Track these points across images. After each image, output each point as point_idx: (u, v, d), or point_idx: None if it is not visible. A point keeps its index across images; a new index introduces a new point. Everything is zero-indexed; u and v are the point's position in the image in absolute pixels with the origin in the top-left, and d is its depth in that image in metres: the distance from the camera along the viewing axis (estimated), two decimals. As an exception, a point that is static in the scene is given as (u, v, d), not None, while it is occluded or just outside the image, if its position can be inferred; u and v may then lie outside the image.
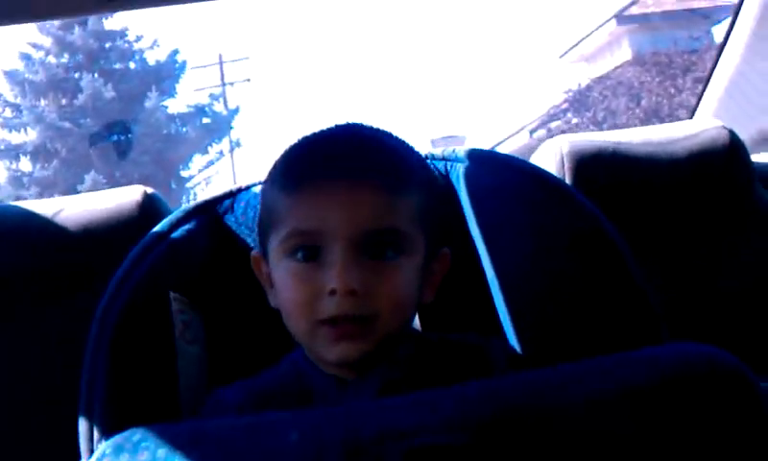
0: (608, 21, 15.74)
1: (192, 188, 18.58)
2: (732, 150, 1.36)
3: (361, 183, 0.88)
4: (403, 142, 0.97)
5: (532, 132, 15.74)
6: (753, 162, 1.40)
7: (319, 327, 0.87)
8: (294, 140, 0.96)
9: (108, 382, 0.85)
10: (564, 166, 1.33)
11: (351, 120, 0.98)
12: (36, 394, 1.24)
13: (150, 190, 1.31)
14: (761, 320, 1.35)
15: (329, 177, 0.88)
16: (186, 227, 1.03)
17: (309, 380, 0.91)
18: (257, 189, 1.12)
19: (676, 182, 1.35)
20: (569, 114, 14.68)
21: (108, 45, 18.10)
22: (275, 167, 0.96)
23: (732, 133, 1.38)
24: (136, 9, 1.18)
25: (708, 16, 12.78)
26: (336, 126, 0.96)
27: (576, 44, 16.87)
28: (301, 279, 0.88)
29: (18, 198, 16.79)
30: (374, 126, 0.97)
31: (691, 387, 0.66)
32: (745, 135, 1.47)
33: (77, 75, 17.39)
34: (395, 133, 0.97)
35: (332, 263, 0.86)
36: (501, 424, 0.65)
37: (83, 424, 0.84)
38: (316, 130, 0.96)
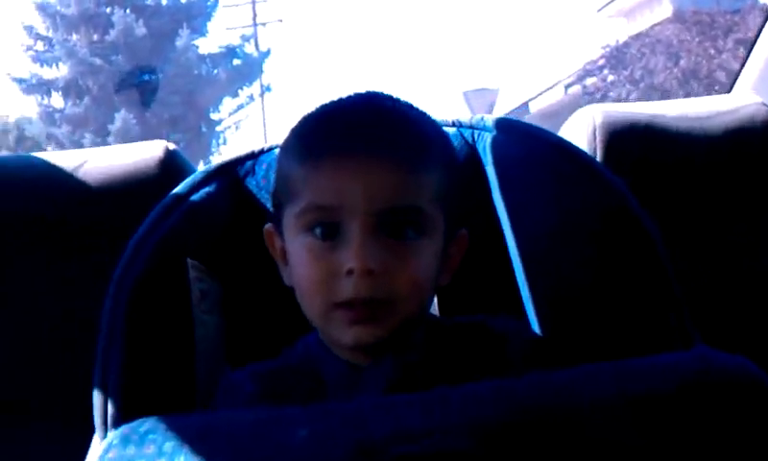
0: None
1: (222, 132, 18.64)
2: (772, 128, 1.32)
3: (382, 158, 0.84)
4: (425, 114, 0.93)
5: (567, 87, 15.54)
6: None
7: (334, 309, 0.84)
8: (311, 108, 0.93)
9: (124, 354, 0.84)
10: (595, 138, 1.29)
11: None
12: (53, 345, 1.25)
13: (172, 146, 1.29)
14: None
15: (349, 150, 0.85)
16: (206, 189, 1.01)
17: (322, 366, 0.90)
18: (278, 152, 1.10)
19: (712, 161, 1.31)
20: (606, 71, 14.44)
21: (140, -20, 18.00)
22: (291, 135, 0.92)
23: (771, 111, 1.33)
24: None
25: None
26: (356, 95, 0.92)
27: (615, -2, 16.53)
28: (318, 256, 0.85)
29: (49, 136, 16.91)
30: (396, 96, 0.93)
31: (710, 398, 0.65)
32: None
33: (108, 10, 17.33)
34: (416, 105, 0.93)
35: (350, 241, 0.83)
36: (512, 427, 0.64)
37: (97, 399, 0.83)
38: (335, 98, 0.92)
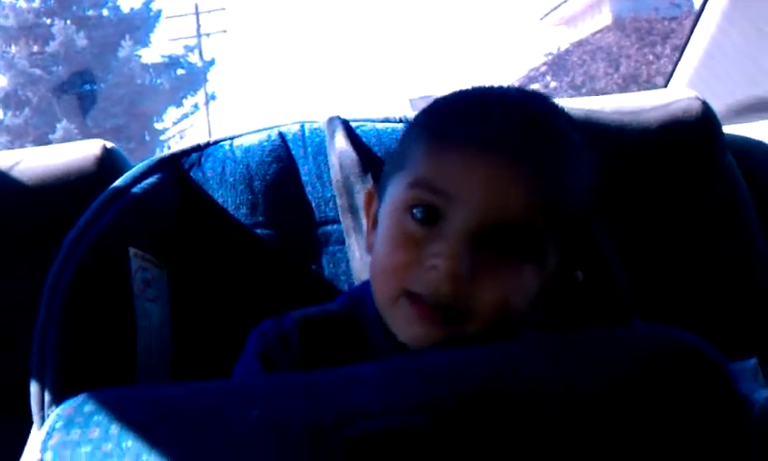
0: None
1: (166, 141, 18.44)
2: (704, 121, 1.36)
3: (515, 164, 0.74)
4: (574, 130, 0.82)
5: (511, 94, 15.76)
6: (724, 134, 1.39)
7: (404, 296, 0.76)
8: (460, 90, 0.84)
9: (60, 344, 0.82)
10: (535, 132, 1.32)
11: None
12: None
13: (110, 145, 1.28)
14: (725, 291, 1.35)
15: (484, 142, 0.75)
16: (149, 180, 1.01)
17: (368, 328, 0.83)
18: (227, 144, 1.10)
19: (646, 152, 1.35)
20: (548, 77, 14.68)
21: (80, -10, 17.75)
22: (427, 111, 0.84)
23: (704, 104, 1.37)
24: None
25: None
26: (511, 88, 0.84)
27: (557, 7, 16.82)
28: (408, 240, 0.76)
29: (-12, 145, 16.53)
30: (548, 98, 0.85)
31: (661, 368, 0.65)
32: (719, 106, 1.47)
33: (48, 21, 17.07)
34: (565, 112, 0.83)
35: (447, 236, 0.74)
36: (471, 402, 0.62)
37: (34, 388, 0.81)
38: (487, 85, 0.84)
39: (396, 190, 0.80)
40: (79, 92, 14.69)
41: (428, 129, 0.81)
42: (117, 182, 0.98)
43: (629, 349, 0.68)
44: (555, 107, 0.83)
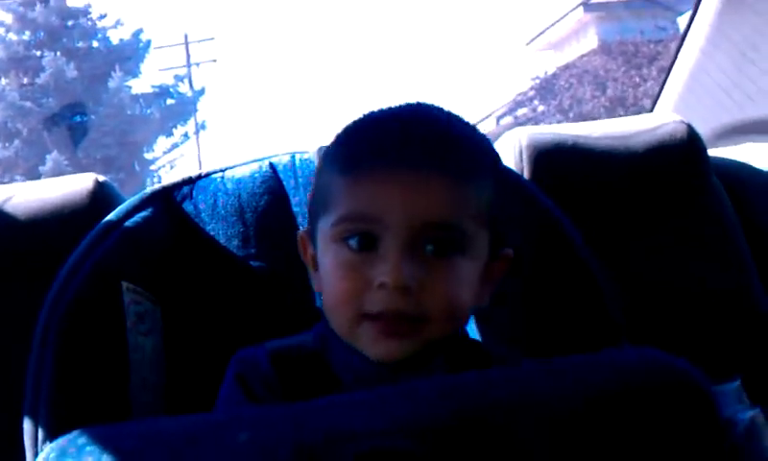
0: (575, 9, 15.84)
1: (156, 171, 18.40)
2: (690, 144, 1.37)
3: (428, 172, 0.80)
4: (475, 128, 0.89)
5: (499, 118, 15.79)
6: (710, 157, 1.41)
7: (361, 321, 0.81)
8: (360, 118, 0.89)
9: (54, 380, 0.83)
10: (522, 159, 1.33)
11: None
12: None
13: (101, 178, 1.28)
14: (714, 313, 1.36)
15: (394, 161, 0.81)
16: (142, 214, 1.01)
17: (335, 360, 0.87)
18: (219, 176, 1.11)
19: (634, 176, 1.36)
20: (536, 102, 14.76)
21: (70, 23, 17.83)
22: (334, 145, 0.89)
23: (690, 128, 1.39)
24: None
25: (671, 8, 12.88)
26: (406, 105, 0.88)
27: (543, 32, 16.96)
28: (351, 268, 0.81)
29: (-22, 178, 16.48)
30: (444, 108, 0.89)
31: (645, 394, 0.66)
32: (704, 130, 1.49)
33: (38, 53, 17.11)
34: (464, 118, 0.89)
35: (386, 255, 0.79)
36: (456, 427, 0.63)
37: (27, 424, 0.81)
38: (382, 107, 0.89)
39: (326, 227, 0.85)
40: (70, 124, 14.69)
41: (340, 162, 0.85)
42: (110, 216, 0.99)
43: (613, 373, 0.69)
44: (448, 111, 0.88)
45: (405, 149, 0.81)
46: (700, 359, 0.71)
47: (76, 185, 1.25)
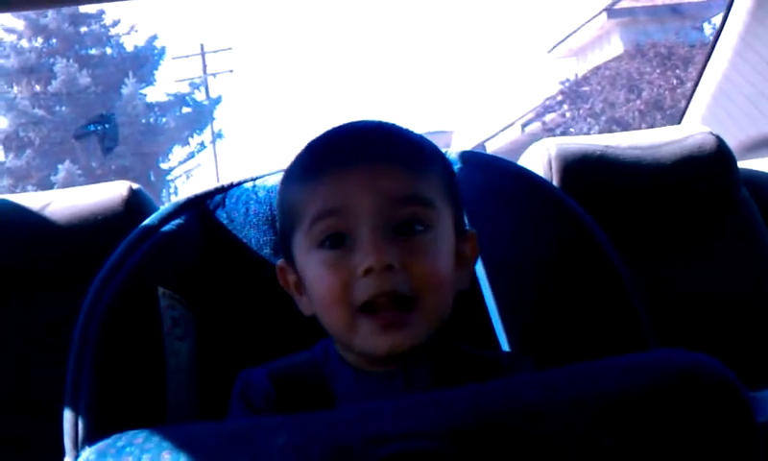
0: (598, 15, 15.69)
1: (172, 181, 18.32)
2: (719, 156, 1.37)
3: (384, 161, 0.87)
4: (422, 136, 0.96)
5: (524, 126, 15.62)
6: (739, 169, 1.41)
7: (358, 317, 0.84)
8: (313, 138, 0.95)
9: (94, 381, 0.84)
10: (551, 169, 1.33)
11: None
12: (21, 391, 1.23)
13: (135, 186, 1.30)
14: (744, 325, 1.36)
15: (351, 159, 0.87)
16: (176, 221, 1.03)
17: (332, 377, 0.90)
18: (250, 185, 1.12)
19: (662, 187, 1.36)
20: (565, 106, 14.46)
21: (83, 30, 17.78)
22: (293, 163, 0.94)
23: (719, 139, 1.39)
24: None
25: (695, 16, 12.68)
26: (355, 121, 0.95)
27: (565, 38, 16.85)
28: (333, 265, 0.85)
29: (-10, 189, 16.50)
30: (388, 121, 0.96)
31: (678, 394, 0.66)
32: (733, 142, 1.48)
33: (51, 60, 17.06)
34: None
35: (362, 243, 0.83)
36: (485, 430, 0.64)
37: (68, 425, 0.82)
38: (336, 124, 0.95)
39: (301, 238, 0.88)
40: (99, 132, 14.63)
41: (302, 174, 0.90)
42: (147, 221, 1.00)
43: (645, 374, 0.69)
44: (392, 122, 0.96)
45: (361, 150, 0.88)
46: (732, 368, 0.71)
47: (111, 193, 1.27)
